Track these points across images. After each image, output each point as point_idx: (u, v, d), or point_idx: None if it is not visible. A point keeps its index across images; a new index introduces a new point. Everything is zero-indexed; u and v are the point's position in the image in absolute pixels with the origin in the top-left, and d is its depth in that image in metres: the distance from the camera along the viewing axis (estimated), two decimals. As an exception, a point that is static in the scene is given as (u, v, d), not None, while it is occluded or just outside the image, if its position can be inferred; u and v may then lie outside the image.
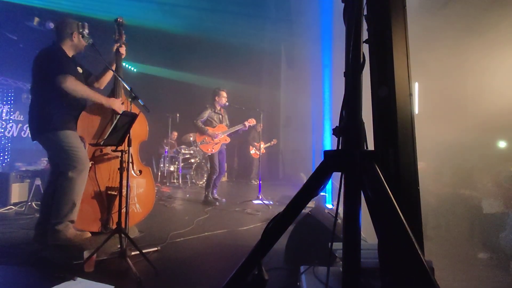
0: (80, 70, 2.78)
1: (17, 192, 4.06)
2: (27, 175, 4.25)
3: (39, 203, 3.42)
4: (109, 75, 3.00)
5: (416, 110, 5.08)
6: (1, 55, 6.77)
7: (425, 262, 0.75)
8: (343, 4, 0.99)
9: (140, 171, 2.93)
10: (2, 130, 7.83)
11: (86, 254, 2.03)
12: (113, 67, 2.92)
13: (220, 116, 4.96)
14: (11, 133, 8.07)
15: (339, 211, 1.08)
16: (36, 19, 6.02)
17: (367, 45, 1.17)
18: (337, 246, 1.54)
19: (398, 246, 0.81)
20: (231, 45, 8.38)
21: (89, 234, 2.60)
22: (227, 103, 4.89)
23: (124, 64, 8.67)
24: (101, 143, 2.22)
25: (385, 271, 1.05)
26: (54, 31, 2.77)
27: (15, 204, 3.96)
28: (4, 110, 7.87)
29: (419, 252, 0.76)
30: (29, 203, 3.90)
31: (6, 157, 7.96)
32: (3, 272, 2.06)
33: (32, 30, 6.24)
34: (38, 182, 4.02)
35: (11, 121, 8.05)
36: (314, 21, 7.22)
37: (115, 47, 2.96)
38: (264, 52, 9.38)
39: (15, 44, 6.75)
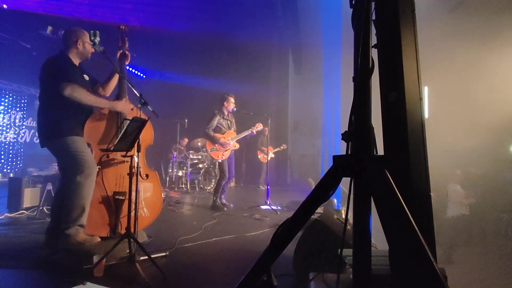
0: (86, 77, 2.84)
1: (29, 197, 4.13)
2: (39, 180, 4.31)
3: (50, 207, 3.48)
4: (114, 81, 3.03)
5: (426, 114, 5.01)
6: (16, 63, 6.96)
7: (438, 269, 0.74)
8: (351, 9, 0.99)
9: (147, 175, 2.94)
10: (15, 136, 8.02)
11: (95, 258, 2.04)
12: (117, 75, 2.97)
13: (229, 122, 4.97)
14: (24, 139, 8.25)
15: (348, 217, 1.07)
16: (49, 28, 6.19)
17: (376, 49, 1.17)
18: (347, 252, 1.51)
19: (410, 253, 0.79)
20: (239, 50, 8.46)
21: (99, 239, 2.62)
22: (235, 109, 4.91)
23: (133, 70, 8.84)
24: (111, 148, 2.24)
25: (397, 278, 1.03)
26: (61, 40, 2.83)
27: (27, 209, 4.02)
28: (17, 117, 8.06)
29: (432, 259, 0.74)
30: (41, 208, 3.96)
31: (19, 162, 8.13)
32: (14, 276, 2.09)
33: (45, 38, 6.42)
34: (49, 187, 4.08)
35: (24, 127, 8.23)
36: (322, 26, 7.23)
37: (118, 54, 3.01)
38: (272, 57, 9.43)
39: (29, 52, 6.94)
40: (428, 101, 5.09)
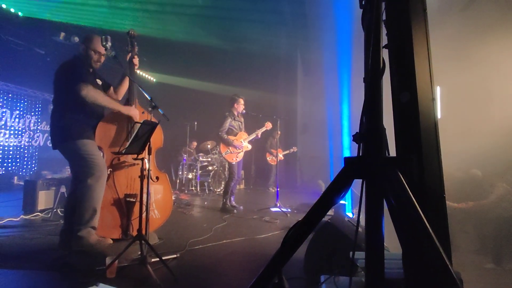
0: (99, 82, 2.89)
1: (44, 199, 4.21)
2: (53, 183, 4.40)
3: (63, 210, 3.54)
4: (125, 86, 3.08)
5: (439, 114, 4.89)
6: (30, 68, 7.14)
7: (453, 273, 0.72)
8: (361, 10, 0.98)
9: (157, 178, 2.97)
10: (30, 140, 8.21)
11: (108, 260, 2.07)
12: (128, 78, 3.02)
13: (240, 123, 4.98)
14: (38, 142, 8.45)
15: (360, 219, 1.05)
16: (62, 34, 6.33)
17: (386, 50, 1.16)
18: (359, 255, 1.49)
19: (424, 256, 0.77)
20: (248, 52, 8.48)
21: (111, 241, 2.65)
22: (244, 111, 4.93)
23: (143, 74, 8.96)
24: (123, 151, 2.28)
25: (411, 282, 1.01)
26: (79, 46, 2.90)
27: (41, 211, 4.10)
28: (32, 121, 8.27)
29: (447, 263, 0.73)
30: (55, 210, 4.04)
31: (33, 165, 8.32)
32: (29, 277, 2.14)
33: (59, 44, 6.58)
34: (63, 189, 4.16)
35: (38, 131, 8.44)
36: (331, 26, 7.19)
37: (128, 57, 3.05)
38: (280, 59, 9.41)
39: (43, 58, 7.11)
40: (441, 101, 5.00)
